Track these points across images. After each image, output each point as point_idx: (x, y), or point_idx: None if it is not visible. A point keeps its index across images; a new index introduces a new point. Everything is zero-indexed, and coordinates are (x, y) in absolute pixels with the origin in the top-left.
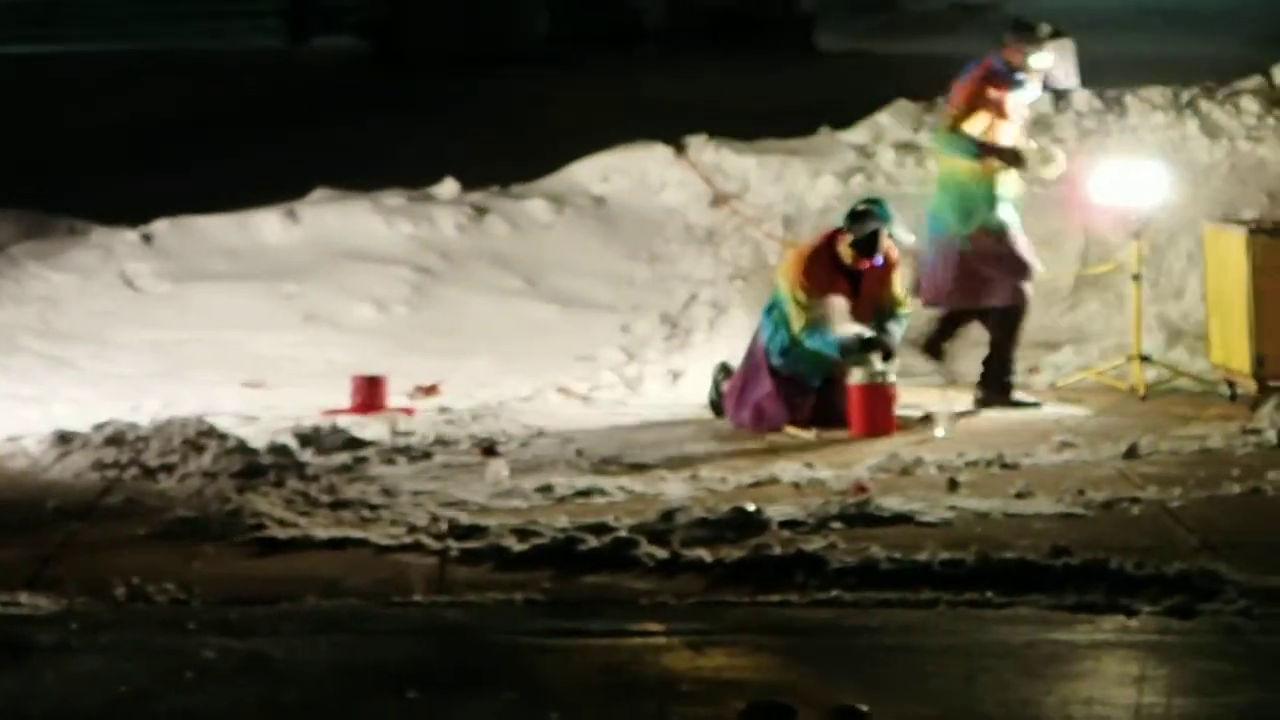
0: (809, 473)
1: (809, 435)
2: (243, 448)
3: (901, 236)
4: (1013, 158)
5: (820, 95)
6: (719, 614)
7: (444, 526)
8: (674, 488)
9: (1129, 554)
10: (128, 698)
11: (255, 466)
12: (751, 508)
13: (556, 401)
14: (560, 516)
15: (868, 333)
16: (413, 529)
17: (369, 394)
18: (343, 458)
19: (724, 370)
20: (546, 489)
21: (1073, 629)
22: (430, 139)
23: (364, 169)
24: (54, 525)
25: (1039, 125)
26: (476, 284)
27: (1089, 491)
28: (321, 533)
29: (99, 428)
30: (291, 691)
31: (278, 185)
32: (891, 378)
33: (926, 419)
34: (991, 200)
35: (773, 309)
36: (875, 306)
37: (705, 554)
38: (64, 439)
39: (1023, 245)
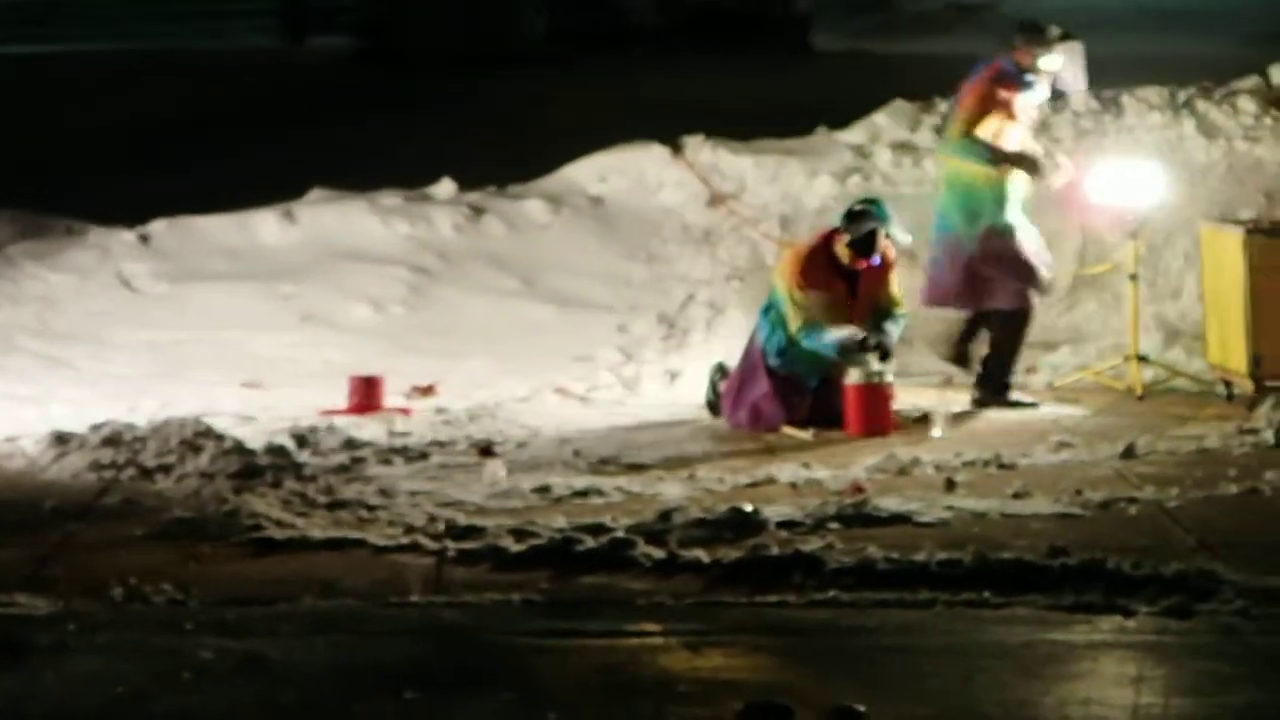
0: (806, 473)
1: (806, 435)
2: (240, 448)
3: (899, 236)
4: (1028, 165)
5: (817, 95)
6: (716, 614)
7: (441, 527)
8: (671, 488)
9: (1126, 554)
10: (125, 698)
11: (252, 467)
12: (749, 508)
13: (554, 402)
14: (557, 517)
15: (860, 334)
16: (410, 529)
17: (366, 394)
18: (340, 458)
19: (721, 370)
20: (544, 489)
21: (1070, 629)
22: (427, 139)
23: (361, 169)
24: (51, 525)
25: (1036, 127)
26: (474, 284)
27: (1086, 492)
28: (319, 533)
29: (96, 428)
30: (289, 692)
31: (276, 185)
32: (889, 378)
33: (924, 419)
34: (1000, 202)
35: (770, 309)
36: (872, 306)
37: (703, 554)
38: (61, 439)
39: (1031, 250)
